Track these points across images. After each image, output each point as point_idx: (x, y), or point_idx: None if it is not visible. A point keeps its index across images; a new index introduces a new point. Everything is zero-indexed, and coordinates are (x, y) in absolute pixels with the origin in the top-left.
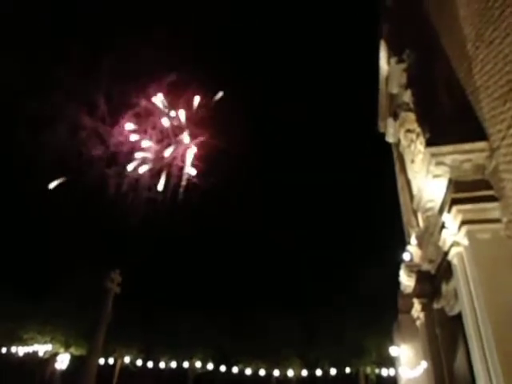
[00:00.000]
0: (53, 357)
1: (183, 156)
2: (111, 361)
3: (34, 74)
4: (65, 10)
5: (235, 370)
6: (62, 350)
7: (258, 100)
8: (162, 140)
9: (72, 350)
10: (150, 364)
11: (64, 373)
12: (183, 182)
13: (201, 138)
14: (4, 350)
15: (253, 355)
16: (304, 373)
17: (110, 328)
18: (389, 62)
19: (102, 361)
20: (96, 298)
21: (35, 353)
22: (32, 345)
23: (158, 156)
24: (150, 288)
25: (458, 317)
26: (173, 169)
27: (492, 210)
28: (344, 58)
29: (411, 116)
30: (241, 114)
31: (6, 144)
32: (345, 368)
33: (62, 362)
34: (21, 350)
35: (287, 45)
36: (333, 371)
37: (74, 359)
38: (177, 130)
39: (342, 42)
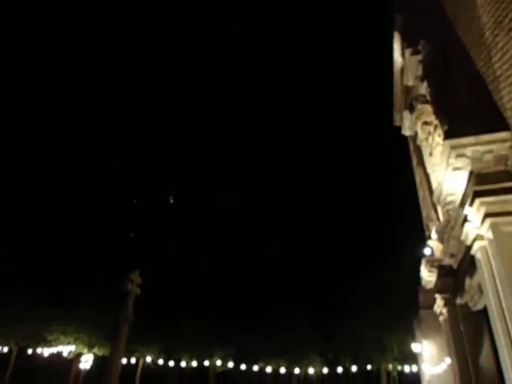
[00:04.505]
0: (77, 357)
1: None
2: (133, 360)
3: None
4: None
5: (255, 368)
6: (85, 350)
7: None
8: None
9: (95, 350)
10: (171, 363)
11: (88, 373)
12: None
13: None
14: (30, 351)
15: (273, 353)
16: (325, 370)
17: (132, 329)
18: (403, 54)
19: (124, 361)
20: (117, 300)
21: (60, 353)
22: (56, 346)
23: None
24: (170, 288)
25: (483, 312)
26: None
27: None
28: (357, 51)
29: (428, 108)
30: None
31: None
32: (366, 365)
33: (86, 361)
34: (46, 351)
35: (306, 37)
36: (354, 368)
37: (97, 359)
38: None
39: (355, 35)
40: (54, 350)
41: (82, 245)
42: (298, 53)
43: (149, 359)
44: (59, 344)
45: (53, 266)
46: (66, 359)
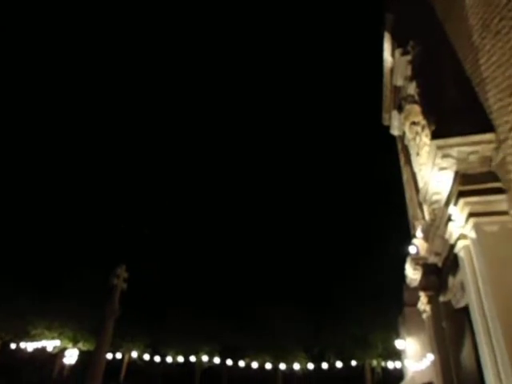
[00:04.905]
0: (61, 352)
1: None
2: (119, 356)
3: None
4: None
5: (242, 363)
6: (70, 345)
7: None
8: None
9: (80, 345)
10: (157, 358)
11: (72, 367)
12: None
13: None
14: (13, 345)
15: (259, 349)
16: (310, 366)
17: (118, 323)
18: (393, 54)
19: (109, 356)
20: (103, 294)
21: (44, 348)
22: (40, 340)
23: None
24: (157, 284)
25: (465, 309)
26: None
27: (499, 202)
28: (347, 50)
29: (416, 108)
30: None
31: None
32: (350, 361)
33: (71, 356)
34: (30, 346)
35: (296, 37)
36: (339, 364)
37: (82, 354)
38: None
39: (346, 33)
40: (38, 344)
41: (68, 239)
42: (290, 51)
43: (134, 354)
44: (43, 339)
45: (38, 261)
46: (50, 354)
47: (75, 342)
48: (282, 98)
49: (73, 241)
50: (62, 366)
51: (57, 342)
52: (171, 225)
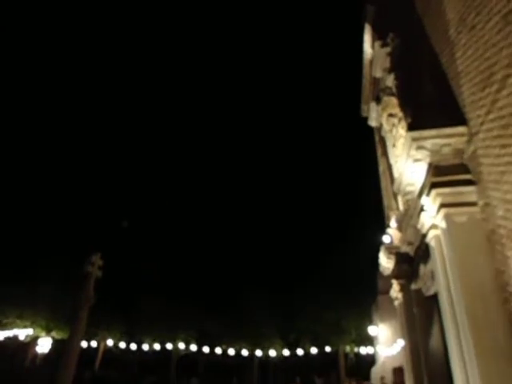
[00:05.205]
0: (34, 341)
1: None
2: (94, 344)
3: None
4: None
5: (218, 350)
6: (43, 333)
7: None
8: None
9: (53, 333)
10: (133, 346)
11: (46, 356)
12: None
13: None
14: None
15: (235, 336)
16: (285, 352)
17: (93, 311)
18: (373, 46)
19: (84, 344)
20: (77, 282)
21: (16, 337)
22: (12, 329)
23: None
24: (133, 271)
25: (434, 297)
26: None
27: (469, 193)
28: (329, 40)
29: (394, 100)
30: None
31: None
32: (325, 347)
33: (43, 345)
34: (1, 334)
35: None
36: (313, 350)
37: (56, 343)
38: None
39: (328, 25)
40: (9, 333)
41: (41, 226)
42: (273, 42)
43: (110, 342)
44: (15, 327)
45: (8, 248)
46: (22, 343)
47: (48, 331)
48: (261, 86)
49: (46, 228)
50: (35, 354)
51: (29, 331)
52: (147, 212)
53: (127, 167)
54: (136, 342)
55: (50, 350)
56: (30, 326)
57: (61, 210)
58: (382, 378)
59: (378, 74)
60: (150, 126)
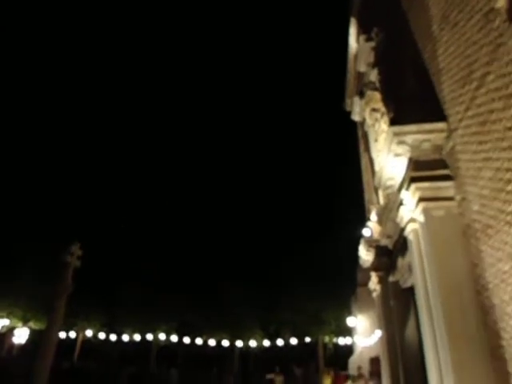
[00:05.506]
0: (10, 331)
1: None
2: (73, 334)
3: None
4: None
5: (199, 341)
6: (19, 324)
7: None
8: None
9: (31, 324)
10: (113, 337)
11: (23, 347)
12: None
13: None
14: None
15: (216, 327)
16: (266, 343)
17: (72, 302)
18: (358, 40)
19: (63, 335)
20: (55, 272)
21: None
22: None
23: None
24: (113, 261)
25: (411, 289)
26: None
27: (447, 188)
28: (315, 34)
29: (377, 95)
30: None
31: None
32: (304, 338)
33: (20, 336)
34: None
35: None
36: (293, 341)
37: (33, 333)
38: None
39: (315, 17)
40: None
41: (18, 214)
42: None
43: (89, 333)
44: None
45: None
46: None
47: (25, 321)
48: (245, 77)
49: (24, 215)
50: (11, 345)
51: (5, 321)
52: (128, 201)
53: (109, 156)
54: (116, 333)
55: (27, 340)
56: (7, 317)
57: (41, 198)
58: (359, 368)
59: (362, 68)
60: (135, 119)
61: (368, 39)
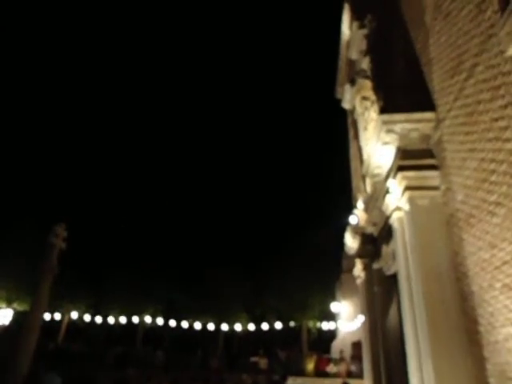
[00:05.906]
0: None
1: None
2: (58, 316)
3: None
4: None
5: (185, 324)
6: (3, 305)
7: None
8: None
9: (15, 305)
10: (98, 319)
11: (6, 328)
12: None
13: None
14: None
15: (202, 310)
16: (251, 327)
17: (57, 284)
18: (351, 27)
19: (48, 316)
20: (40, 253)
21: None
22: None
23: None
24: (99, 243)
25: (394, 276)
26: None
27: (433, 177)
28: (307, 20)
29: (368, 83)
30: None
31: None
32: (289, 322)
33: (4, 317)
34: None
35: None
36: (278, 325)
37: (17, 314)
38: None
39: (307, 3)
40: None
41: (2, 194)
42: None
43: (75, 315)
44: None
45: None
46: None
47: (9, 302)
48: (235, 66)
49: (9, 197)
50: None
51: None
52: (116, 186)
53: (94, 140)
54: (102, 315)
55: (11, 321)
56: None
57: (27, 179)
58: (341, 352)
59: (354, 56)
60: (125, 108)
61: (361, 26)
